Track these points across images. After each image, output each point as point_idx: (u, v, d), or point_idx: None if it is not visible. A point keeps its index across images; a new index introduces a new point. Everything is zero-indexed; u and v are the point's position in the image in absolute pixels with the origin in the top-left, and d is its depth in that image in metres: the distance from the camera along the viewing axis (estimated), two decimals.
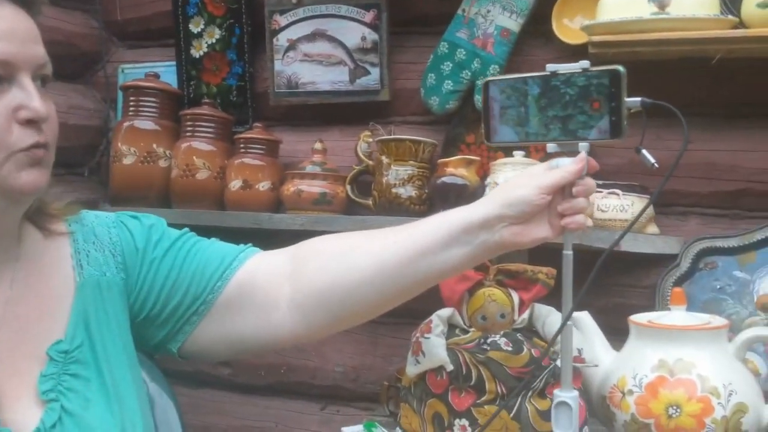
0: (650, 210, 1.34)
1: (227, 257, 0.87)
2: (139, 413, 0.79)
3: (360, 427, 1.31)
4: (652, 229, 1.35)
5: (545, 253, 1.15)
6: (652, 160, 0.84)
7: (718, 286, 1.32)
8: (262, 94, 1.70)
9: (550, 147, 0.83)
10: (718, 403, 1.05)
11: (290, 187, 1.51)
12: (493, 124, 0.85)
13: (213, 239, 0.91)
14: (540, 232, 0.82)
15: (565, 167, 0.81)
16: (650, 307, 1.32)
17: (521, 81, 0.83)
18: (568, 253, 0.85)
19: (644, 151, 0.85)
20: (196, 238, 0.90)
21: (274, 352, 1.63)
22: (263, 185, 1.56)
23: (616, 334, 1.20)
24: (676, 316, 1.15)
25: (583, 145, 0.81)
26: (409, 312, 1.50)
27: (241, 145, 1.59)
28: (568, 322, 0.86)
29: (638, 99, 0.79)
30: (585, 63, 0.79)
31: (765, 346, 1.24)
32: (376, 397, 1.58)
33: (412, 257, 0.81)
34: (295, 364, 1.70)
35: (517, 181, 0.84)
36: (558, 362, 1.11)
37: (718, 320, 1.14)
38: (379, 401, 1.40)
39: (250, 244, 0.92)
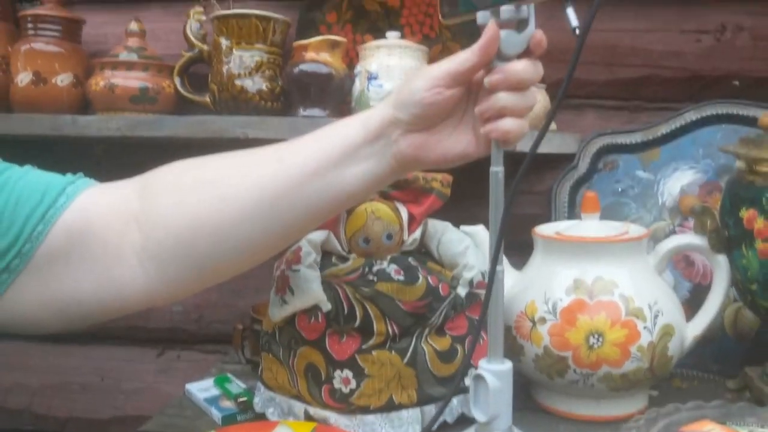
0: (547, 102, 1.14)
1: (50, 192, 0.63)
2: None
3: (209, 382, 1.04)
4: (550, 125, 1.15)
5: None
6: (574, 23, 0.63)
7: (620, 189, 1.16)
8: None
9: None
10: (644, 328, 0.88)
11: (99, 81, 1.16)
12: None
13: (28, 167, 0.66)
14: (455, 144, 0.64)
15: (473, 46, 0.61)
16: (545, 216, 1.15)
17: None
18: (496, 170, 0.65)
19: (570, 10, 0.63)
20: (4, 165, 0.64)
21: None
22: (62, 79, 1.19)
23: (511, 249, 1.00)
24: (590, 225, 0.97)
25: (483, 15, 0.61)
26: None
27: (29, 26, 1.20)
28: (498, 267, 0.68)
29: None
30: None
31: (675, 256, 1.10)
32: (224, 338, 1.32)
33: (301, 180, 0.63)
34: None
35: (423, 69, 0.65)
36: (459, 290, 0.90)
37: (635, 229, 0.97)
38: (233, 347, 1.13)
39: (80, 174, 0.68)
